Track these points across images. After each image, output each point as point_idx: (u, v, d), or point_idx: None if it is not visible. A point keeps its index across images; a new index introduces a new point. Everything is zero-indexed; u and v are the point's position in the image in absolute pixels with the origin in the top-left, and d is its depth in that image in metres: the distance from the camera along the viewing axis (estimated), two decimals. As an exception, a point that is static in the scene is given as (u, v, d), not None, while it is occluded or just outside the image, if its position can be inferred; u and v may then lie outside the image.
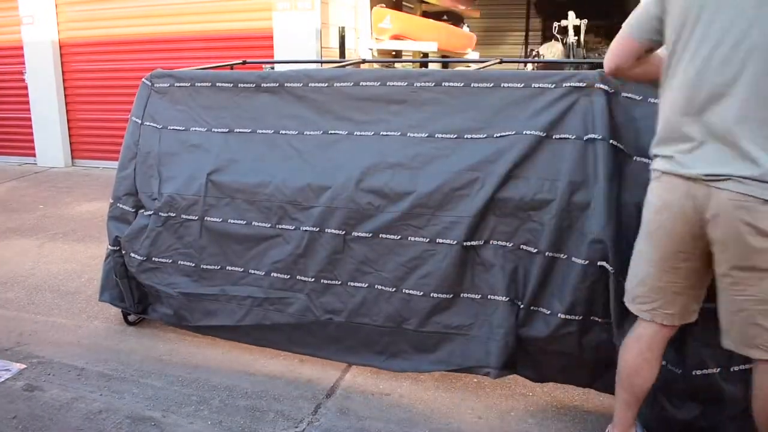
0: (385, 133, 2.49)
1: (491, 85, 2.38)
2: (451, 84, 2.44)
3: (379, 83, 2.54)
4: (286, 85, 2.69)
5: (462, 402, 2.36)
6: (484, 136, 2.34)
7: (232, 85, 2.79)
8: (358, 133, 2.54)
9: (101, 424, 2.23)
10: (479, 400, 2.37)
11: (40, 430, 2.20)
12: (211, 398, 2.40)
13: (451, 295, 2.33)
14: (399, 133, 2.46)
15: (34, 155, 7.70)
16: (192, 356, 2.73)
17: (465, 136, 2.36)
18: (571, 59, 7.02)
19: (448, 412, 2.30)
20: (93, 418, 2.27)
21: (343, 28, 6.40)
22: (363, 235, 2.44)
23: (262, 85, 2.74)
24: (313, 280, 2.54)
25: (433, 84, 2.46)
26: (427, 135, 2.42)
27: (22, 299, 3.42)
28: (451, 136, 2.39)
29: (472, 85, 2.41)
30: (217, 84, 2.82)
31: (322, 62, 4.89)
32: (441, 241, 2.32)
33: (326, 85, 2.62)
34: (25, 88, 7.55)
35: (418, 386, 2.47)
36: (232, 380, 2.53)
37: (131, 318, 3.05)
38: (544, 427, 2.20)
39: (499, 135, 2.31)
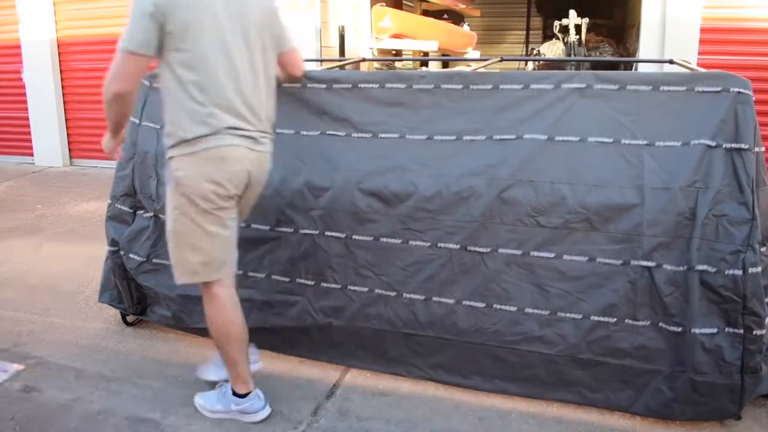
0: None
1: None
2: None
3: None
4: (283, 85, 2.68)
5: (462, 403, 2.35)
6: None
7: None
8: (357, 135, 2.52)
9: (100, 426, 2.22)
10: (479, 400, 2.36)
11: (37, 432, 2.19)
12: (210, 399, 2.39)
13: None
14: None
15: (31, 155, 7.67)
16: (192, 356, 2.71)
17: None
18: (573, 58, 7.00)
19: (449, 413, 2.28)
20: (91, 420, 2.25)
21: (342, 27, 6.38)
22: (363, 238, 2.42)
23: None
24: (312, 283, 2.52)
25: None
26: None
27: (20, 299, 3.40)
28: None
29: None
30: None
31: (321, 61, 4.88)
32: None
33: (325, 86, 2.61)
34: (23, 87, 7.53)
35: (418, 387, 2.45)
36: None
37: (130, 319, 3.04)
38: (544, 428, 2.19)
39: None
